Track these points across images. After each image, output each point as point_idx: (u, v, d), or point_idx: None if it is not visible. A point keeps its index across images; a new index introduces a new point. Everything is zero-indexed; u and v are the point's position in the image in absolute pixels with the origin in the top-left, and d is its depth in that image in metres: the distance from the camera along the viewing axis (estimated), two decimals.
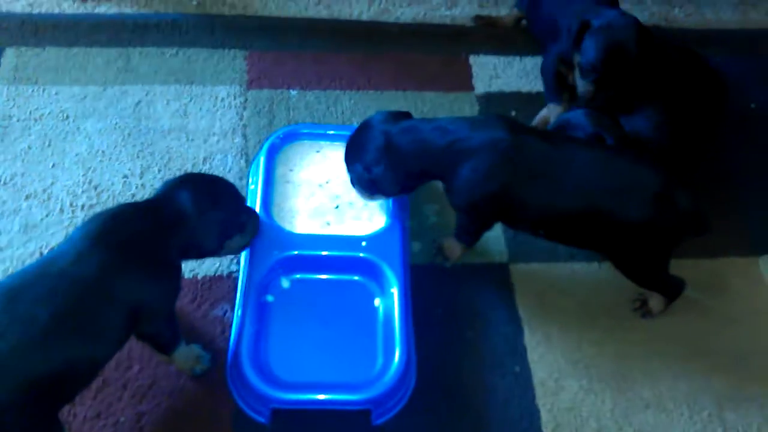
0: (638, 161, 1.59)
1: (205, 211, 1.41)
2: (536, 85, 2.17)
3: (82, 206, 1.78)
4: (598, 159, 1.58)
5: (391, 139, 1.59)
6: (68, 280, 1.25)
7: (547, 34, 2.06)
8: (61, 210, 1.77)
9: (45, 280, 1.25)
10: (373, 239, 1.69)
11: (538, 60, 2.24)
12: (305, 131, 1.89)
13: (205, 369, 1.55)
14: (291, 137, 1.87)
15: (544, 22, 2.08)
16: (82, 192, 1.80)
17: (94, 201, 1.79)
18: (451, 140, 1.56)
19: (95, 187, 1.82)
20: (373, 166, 1.60)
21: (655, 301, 1.72)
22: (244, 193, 1.81)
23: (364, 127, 1.65)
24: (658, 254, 1.63)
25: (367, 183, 1.64)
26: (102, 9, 2.20)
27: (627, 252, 1.62)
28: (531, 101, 2.13)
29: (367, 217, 1.77)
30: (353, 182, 1.70)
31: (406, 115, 1.68)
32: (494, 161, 1.54)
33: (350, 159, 1.67)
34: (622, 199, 1.54)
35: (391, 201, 1.76)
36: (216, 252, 1.49)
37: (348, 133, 1.89)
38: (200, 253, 1.48)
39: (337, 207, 1.78)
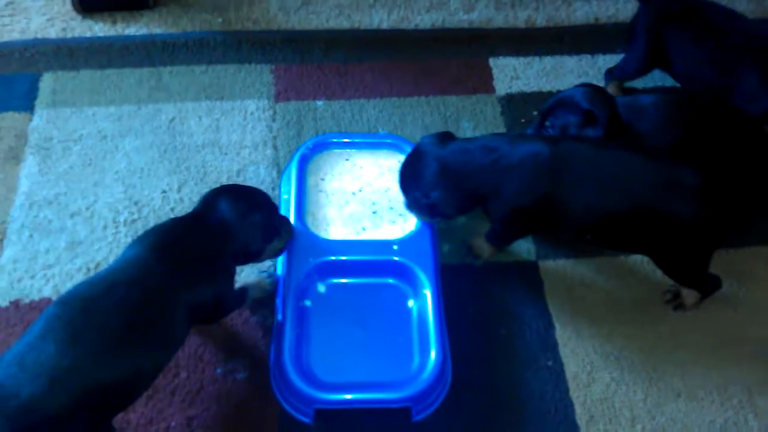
0: (676, 160, 1.63)
1: (246, 216, 1.51)
2: (556, 85, 2.22)
3: (124, 222, 1.86)
4: (639, 159, 1.61)
5: (444, 162, 1.66)
6: (137, 289, 1.34)
7: None
8: (105, 226, 1.85)
9: (115, 290, 1.33)
10: (405, 242, 1.75)
11: (557, 59, 2.29)
12: (334, 140, 1.95)
13: (275, 281, 1.70)
14: (320, 147, 1.93)
15: None
16: (124, 208, 1.88)
17: (136, 216, 1.87)
18: (495, 158, 1.63)
19: (136, 203, 1.90)
20: (430, 191, 1.67)
21: (689, 296, 1.75)
22: (277, 204, 1.88)
23: (416, 154, 1.72)
24: (703, 252, 1.66)
25: (425, 208, 1.71)
26: (131, 30, 2.29)
27: (673, 251, 1.65)
28: None
29: (402, 221, 1.83)
30: (409, 207, 1.76)
31: (450, 136, 1.74)
32: (535, 174, 1.60)
33: (407, 186, 1.74)
34: (668, 197, 1.58)
35: None
36: (259, 254, 1.59)
37: (375, 140, 1.98)
38: (246, 257, 1.57)
39: (374, 213, 1.84)
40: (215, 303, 1.49)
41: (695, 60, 1.95)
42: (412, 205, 1.75)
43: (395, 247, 1.73)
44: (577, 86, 1.84)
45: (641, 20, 2.05)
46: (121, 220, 1.86)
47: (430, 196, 1.67)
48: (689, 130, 1.79)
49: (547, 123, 1.81)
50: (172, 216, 1.86)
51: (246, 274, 1.74)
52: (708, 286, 1.74)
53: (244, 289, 1.66)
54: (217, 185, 1.90)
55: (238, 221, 1.50)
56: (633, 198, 1.59)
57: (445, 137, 1.72)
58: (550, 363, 1.68)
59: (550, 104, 1.83)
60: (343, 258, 1.72)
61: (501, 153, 1.63)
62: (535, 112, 2.14)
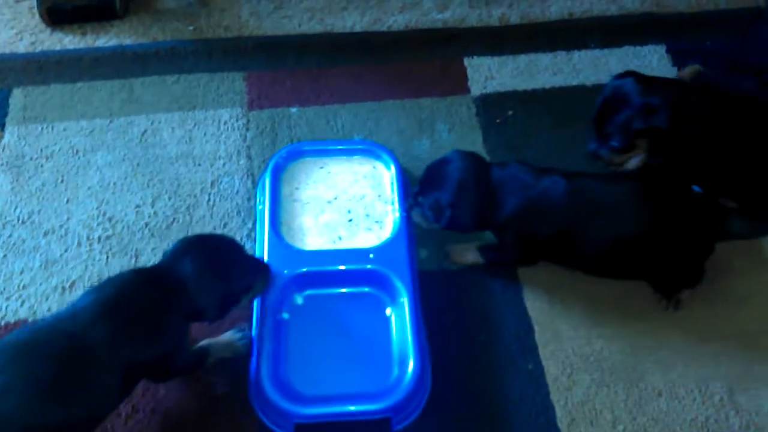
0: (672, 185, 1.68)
1: (207, 282, 1.46)
2: (531, 83, 2.20)
3: (99, 238, 1.84)
4: (644, 188, 1.67)
5: (481, 178, 1.68)
6: (75, 343, 1.33)
7: None
8: (79, 244, 1.83)
9: (54, 341, 1.33)
10: (381, 250, 1.74)
11: (531, 57, 2.28)
12: (307, 148, 1.94)
13: (248, 343, 1.62)
14: (294, 155, 1.92)
15: None
16: (98, 225, 1.86)
17: (110, 232, 1.85)
18: (521, 186, 1.66)
19: (109, 219, 1.88)
20: (457, 200, 1.66)
21: (683, 292, 1.76)
22: (252, 214, 1.87)
23: (450, 163, 1.71)
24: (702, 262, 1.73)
25: (442, 213, 1.68)
26: (102, 42, 2.26)
27: (678, 269, 1.71)
28: (528, 100, 2.16)
29: (378, 228, 1.82)
30: (419, 206, 1.74)
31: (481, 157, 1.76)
32: (553, 205, 1.64)
33: (432, 186, 1.71)
34: (673, 221, 1.64)
35: (401, 211, 1.81)
36: (222, 317, 1.53)
37: (349, 147, 1.96)
38: (205, 319, 1.52)
39: (350, 221, 1.82)
40: (161, 362, 1.46)
41: None
42: (426, 207, 1.72)
43: (371, 255, 1.73)
44: (614, 79, 1.78)
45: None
46: (95, 236, 1.84)
47: (454, 204, 1.67)
48: (730, 123, 1.76)
49: (607, 130, 1.75)
50: (146, 231, 1.85)
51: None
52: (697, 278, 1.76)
53: (204, 351, 1.59)
54: (192, 198, 1.93)
55: (196, 286, 1.44)
56: (640, 227, 1.63)
57: (481, 159, 1.75)
58: (530, 366, 1.67)
59: (598, 109, 1.78)
60: (319, 268, 1.71)
61: (526, 183, 1.66)
62: (510, 112, 2.13)
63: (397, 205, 1.83)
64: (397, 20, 2.38)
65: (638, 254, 1.67)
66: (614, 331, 1.72)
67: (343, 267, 1.71)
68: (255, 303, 1.68)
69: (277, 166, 1.89)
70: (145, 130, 2.05)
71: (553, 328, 1.73)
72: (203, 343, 1.63)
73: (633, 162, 1.77)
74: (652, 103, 1.70)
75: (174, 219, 1.88)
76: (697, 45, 2.34)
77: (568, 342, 1.71)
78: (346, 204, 1.86)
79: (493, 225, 1.71)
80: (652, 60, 2.29)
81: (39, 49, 2.24)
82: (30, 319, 1.70)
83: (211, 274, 1.47)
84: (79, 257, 1.81)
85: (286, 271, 1.69)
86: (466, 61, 2.25)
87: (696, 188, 1.82)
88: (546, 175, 1.67)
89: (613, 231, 1.64)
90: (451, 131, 2.09)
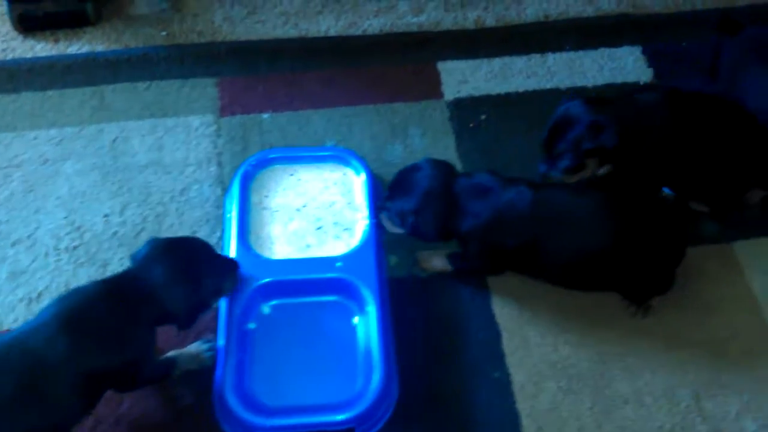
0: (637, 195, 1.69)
1: (177, 287, 1.45)
2: (505, 87, 2.19)
3: (66, 248, 1.83)
4: (609, 198, 1.67)
5: (447, 189, 1.68)
6: (34, 358, 1.34)
7: None
8: (47, 254, 1.82)
9: (13, 357, 1.33)
10: (348, 258, 1.73)
11: (505, 60, 2.27)
12: (278, 156, 1.93)
13: (214, 354, 1.60)
14: (264, 163, 1.91)
15: None
16: (66, 234, 1.86)
17: (78, 242, 1.85)
18: (488, 196, 1.66)
19: (78, 228, 1.87)
20: (421, 209, 1.67)
21: (653, 299, 1.75)
22: (220, 222, 1.87)
23: (421, 169, 1.71)
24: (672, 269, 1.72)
25: (407, 221, 1.69)
26: (74, 49, 2.25)
27: (646, 280, 1.70)
28: (501, 104, 2.15)
29: (348, 236, 1.81)
30: (387, 213, 1.74)
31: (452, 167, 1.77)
32: (517, 216, 1.63)
33: (398, 193, 1.72)
34: (634, 231, 1.63)
35: (370, 218, 1.80)
36: (193, 322, 1.53)
37: (320, 153, 1.96)
38: (174, 323, 1.52)
39: (319, 228, 1.82)
40: (127, 372, 1.45)
41: None
42: (394, 213, 1.73)
43: (338, 263, 1.72)
44: (564, 102, 1.80)
45: (725, 54, 1.96)
46: (63, 246, 1.84)
47: (418, 212, 1.67)
48: (692, 127, 1.76)
49: (557, 150, 1.75)
50: (114, 240, 1.85)
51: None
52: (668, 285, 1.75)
53: (171, 361, 1.58)
54: (161, 206, 1.92)
55: (164, 292, 1.44)
56: (607, 238, 1.62)
57: (450, 167, 1.76)
58: (497, 374, 1.67)
59: (549, 130, 1.78)
60: (286, 278, 1.70)
61: (491, 194, 1.66)
62: (483, 116, 2.12)
63: (366, 213, 1.82)
64: (372, 24, 2.37)
65: (606, 266, 1.66)
66: (582, 337, 1.72)
67: (309, 276, 1.70)
68: (222, 313, 1.67)
69: (246, 173, 1.88)
70: (116, 138, 2.04)
71: (521, 335, 1.72)
72: (170, 354, 1.62)
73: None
74: (599, 122, 1.70)
75: (142, 228, 1.87)
76: (674, 46, 2.33)
77: (536, 349, 1.70)
78: (315, 212, 1.85)
79: (457, 235, 1.70)
80: (628, 61, 2.28)
81: (10, 56, 2.23)
82: None
83: (181, 279, 1.46)
84: (47, 267, 1.80)
85: (254, 282, 1.68)
86: (440, 65, 2.24)
87: (666, 190, 1.81)
88: (512, 186, 1.66)
89: (579, 243, 1.63)
90: (424, 136, 2.09)
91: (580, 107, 1.73)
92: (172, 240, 1.60)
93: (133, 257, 1.51)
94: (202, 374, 1.64)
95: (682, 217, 1.78)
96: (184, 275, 1.47)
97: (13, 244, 1.84)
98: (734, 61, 1.93)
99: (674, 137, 1.74)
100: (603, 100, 1.79)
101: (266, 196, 1.87)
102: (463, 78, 2.21)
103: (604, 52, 2.30)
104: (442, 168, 1.75)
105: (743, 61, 1.91)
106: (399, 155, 2.03)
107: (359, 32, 2.34)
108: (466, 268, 1.77)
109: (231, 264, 1.65)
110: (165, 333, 1.62)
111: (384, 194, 1.80)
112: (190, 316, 1.52)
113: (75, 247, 1.84)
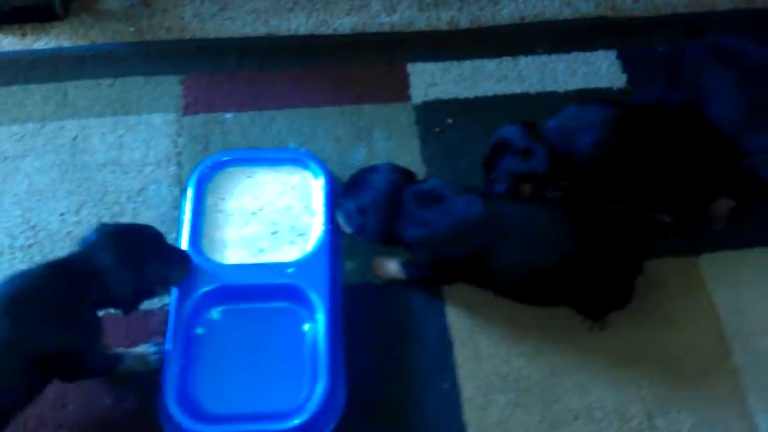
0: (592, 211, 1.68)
1: (122, 272, 1.46)
2: (474, 91, 2.16)
3: (21, 247, 1.82)
4: (563, 212, 1.65)
5: (396, 194, 1.66)
6: None
7: None
8: (1, 252, 1.81)
9: None
10: (300, 265, 1.71)
11: (476, 63, 2.23)
12: (236, 157, 1.91)
13: (160, 358, 1.59)
14: (221, 165, 1.89)
15: None
16: (20, 233, 1.84)
17: (32, 241, 1.83)
18: (438, 205, 1.64)
19: (33, 227, 1.85)
20: (368, 212, 1.66)
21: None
22: (176, 224, 1.84)
23: (376, 173, 1.71)
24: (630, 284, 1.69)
25: (354, 221, 1.70)
26: (41, 43, 2.23)
27: (601, 296, 1.67)
28: (468, 108, 2.12)
29: (302, 241, 1.78)
30: (341, 212, 1.73)
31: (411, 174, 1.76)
32: (465, 227, 1.61)
33: (350, 193, 1.71)
34: (587, 246, 1.61)
35: (326, 224, 1.78)
36: (135, 307, 1.53)
37: (279, 156, 1.93)
38: (118, 307, 1.52)
39: (274, 233, 1.79)
40: (71, 358, 1.44)
41: (734, 105, 1.81)
42: (344, 213, 1.72)
43: (290, 270, 1.70)
44: (505, 126, 1.79)
45: (686, 58, 1.93)
46: (17, 245, 1.82)
47: (364, 213, 1.66)
48: (640, 142, 1.74)
49: (493, 175, 1.76)
50: (69, 239, 1.83)
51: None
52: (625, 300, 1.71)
53: (117, 356, 1.57)
54: (117, 206, 1.90)
55: (109, 275, 1.44)
56: (560, 253, 1.59)
57: (410, 174, 1.74)
58: (446, 385, 1.64)
59: (488, 153, 1.78)
60: (236, 283, 1.68)
61: (440, 202, 1.64)
62: (450, 120, 2.09)
63: (323, 218, 1.80)
64: (343, 23, 2.33)
65: (559, 281, 1.63)
66: (535, 349, 1.69)
67: (260, 281, 1.68)
68: (171, 317, 1.66)
69: (202, 175, 1.86)
70: (76, 136, 2.02)
71: (473, 345, 1.70)
72: (117, 350, 1.61)
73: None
74: (531, 148, 1.70)
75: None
76: (650, 50, 2.28)
77: (488, 360, 1.67)
78: (272, 216, 1.82)
79: (401, 242, 1.67)
80: (602, 66, 2.24)
81: None
82: None
83: (126, 264, 1.47)
84: (0, 266, 1.79)
85: (203, 287, 1.67)
86: (410, 67, 2.21)
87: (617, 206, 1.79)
88: (463, 195, 1.63)
89: (531, 257, 1.60)
90: (389, 139, 2.05)
91: (514, 132, 1.74)
92: (122, 226, 1.61)
93: (81, 241, 1.52)
94: (148, 378, 1.62)
95: (639, 230, 1.75)
96: (128, 260, 1.48)
97: None
98: (694, 68, 1.89)
99: (617, 155, 1.71)
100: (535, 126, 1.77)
101: (222, 199, 1.85)
102: (433, 80, 2.18)
103: (579, 55, 2.25)
104: (400, 173, 1.72)
105: (702, 67, 1.87)
106: (362, 159, 2.00)
107: (330, 31, 2.31)
108: (419, 276, 1.74)
109: (181, 255, 1.64)
110: (115, 333, 1.62)
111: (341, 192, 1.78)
112: (133, 301, 1.53)
113: (29, 246, 1.82)
